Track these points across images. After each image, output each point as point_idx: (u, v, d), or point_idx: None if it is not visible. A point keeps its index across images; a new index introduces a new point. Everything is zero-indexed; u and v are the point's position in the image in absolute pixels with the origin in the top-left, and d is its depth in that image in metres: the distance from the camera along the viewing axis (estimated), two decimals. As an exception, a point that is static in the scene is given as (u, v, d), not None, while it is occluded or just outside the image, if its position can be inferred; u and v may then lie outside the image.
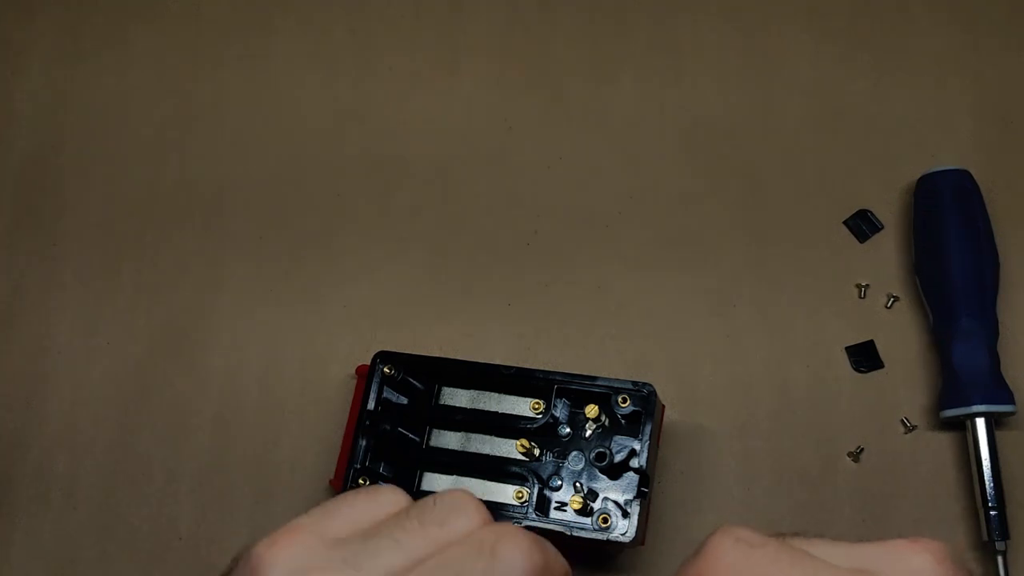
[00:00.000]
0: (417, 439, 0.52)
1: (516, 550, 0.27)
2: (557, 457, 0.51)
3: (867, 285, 0.57)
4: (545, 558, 0.28)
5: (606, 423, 0.50)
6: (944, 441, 0.54)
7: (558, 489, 0.50)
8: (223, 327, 0.59)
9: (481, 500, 0.29)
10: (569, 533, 0.48)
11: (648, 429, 0.49)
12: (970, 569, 0.30)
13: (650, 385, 0.49)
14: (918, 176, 0.57)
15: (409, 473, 0.52)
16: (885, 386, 0.55)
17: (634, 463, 0.49)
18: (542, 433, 0.51)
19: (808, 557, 0.29)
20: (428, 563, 0.26)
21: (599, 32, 0.64)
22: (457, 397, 0.53)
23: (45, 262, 0.61)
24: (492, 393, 0.53)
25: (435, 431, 0.53)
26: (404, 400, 0.53)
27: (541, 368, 0.51)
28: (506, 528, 0.27)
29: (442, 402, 0.53)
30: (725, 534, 0.30)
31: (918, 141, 0.59)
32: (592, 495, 0.49)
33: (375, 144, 0.62)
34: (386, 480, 0.51)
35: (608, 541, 0.47)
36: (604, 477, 0.50)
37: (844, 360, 0.56)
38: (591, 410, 0.50)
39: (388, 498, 0.29)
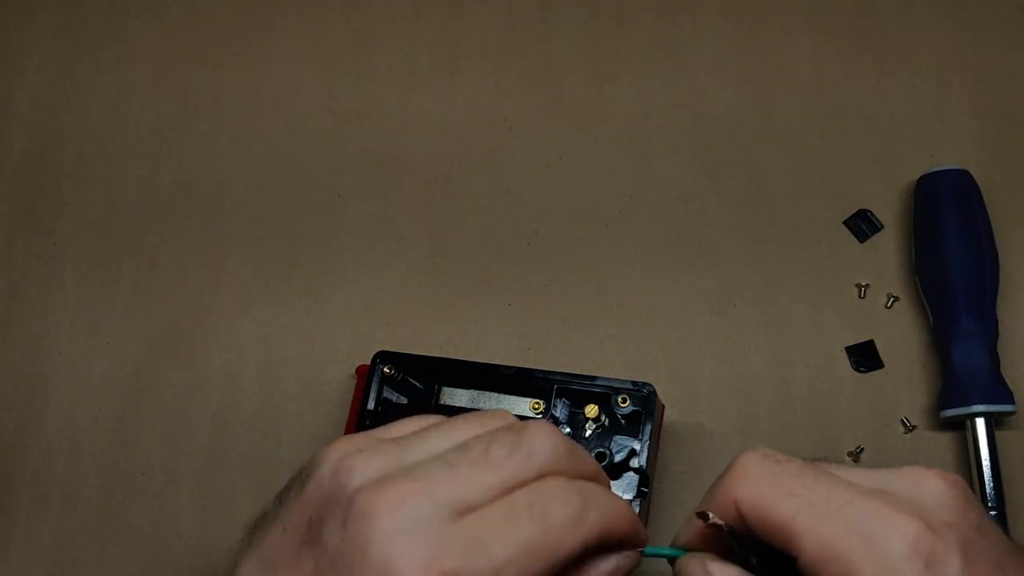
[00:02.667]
0: (417, 439, 0.52)
1: (542, 426, 0.32)
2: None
3: (867, 285, 0.57)
4: (571, 443, 0.33)
5: (606, 423, 0.50)
6: (944, 441, 0.54)
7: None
8: (223, 327, 0.59)
9: None
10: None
11: (648, 429, 0.49)
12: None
13: (650, 385, 0.49)
14: (918, 176, 0.57)
15: (409, 473, 0.52)
16: (885, 386, 0.55)
17: (634, 463, 0.49)
18: (542, 433, 0.51)
19: (829, 475, 0.32)
20: (468, 442, 0.32)
21: (599, 32, 0.64)
22: (457, 397, 0.53)
23: (45, 262, 0.61)
24: (492, 393, 0.53)
25: (435, 431, 0.53)
26: (404, 400, 0.53)
27: (541, 368, 0.51)
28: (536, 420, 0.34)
29: (442, 402, 0.53)
30: (752, 451, 0.33)
31: (918, 141, 0.59)
32: (592, 495, 0.49)
33: (375, 144, 0.62)
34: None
35: (608, 541, 0.47)
36: (604, 477, 0.50)
37: (844, 360, 0.56)
38: (591, 410, 0.50)
39: (431, 416, 0.35)
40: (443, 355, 0.55)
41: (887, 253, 0.58)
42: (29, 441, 0.58)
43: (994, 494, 0.50)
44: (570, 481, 0.32)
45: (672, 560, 0.36)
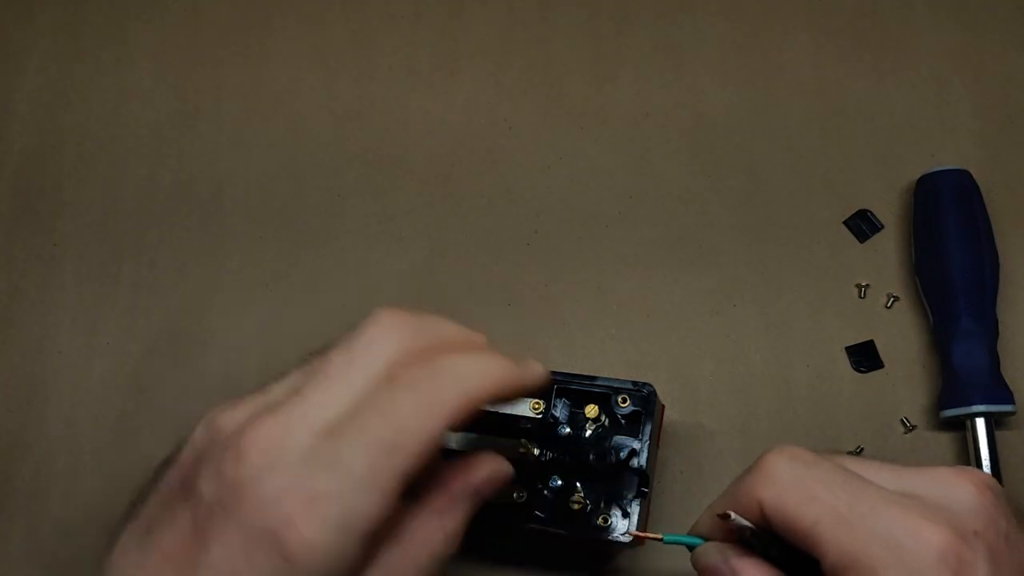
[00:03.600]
0: (417, 439, 0.52)
1: (376, 318, 0.33)
2: (557, 457, 0.50)
3: (867, 285, 0.57)
4: (418, 320, 0.32)
5: (606, 423, 0.50)
6: (944, 441, 0.54)
7: (558, 489, 0.50)
8: (222, 327, 0.59)
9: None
10: (569, 533, 0.48)
11: (648, 429, 0.49)
12: (1017, 504, 0.31)
13: (650, 385, 0.49)
14: (918, 176, 0.57)
15: (409, 473, 0.52)
16: (885, 386, 0.55)
17: (634, 463, 0.49)
18: (542, 433, 0.51)
19: (857, 479, 0.31)
20: (313, 366, 0.33)
21: (599, 32, 0.64)
22: (457, 397, 0.53)
23: (45, 262, 0.61)
24: (492, 393, 0.53)
25: (435, 431, 0.53)
26: (404, 400, 0.53)
27: (541, 368, 0.51)
28: None
29: (442, 402, 0.53)
30: (780, 452, 0.32)
31: (918, 141, 0.59)
32: (592, 495, 0.49)
33: (375, 144, 0.62)
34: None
35: (608, 541, 0.47)
36: (604, 477, 0.50)
37: (844, 360, 0.56)
38: (591, 410, 0.50)
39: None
40: (443, 355, 0.54)
41: (887, 253, 0.58)
42: (29, 441, 0.58)
43: (994, 494, 0.50)
44: (420, 364, 0.31)
45: (690, 547, 0.36)
